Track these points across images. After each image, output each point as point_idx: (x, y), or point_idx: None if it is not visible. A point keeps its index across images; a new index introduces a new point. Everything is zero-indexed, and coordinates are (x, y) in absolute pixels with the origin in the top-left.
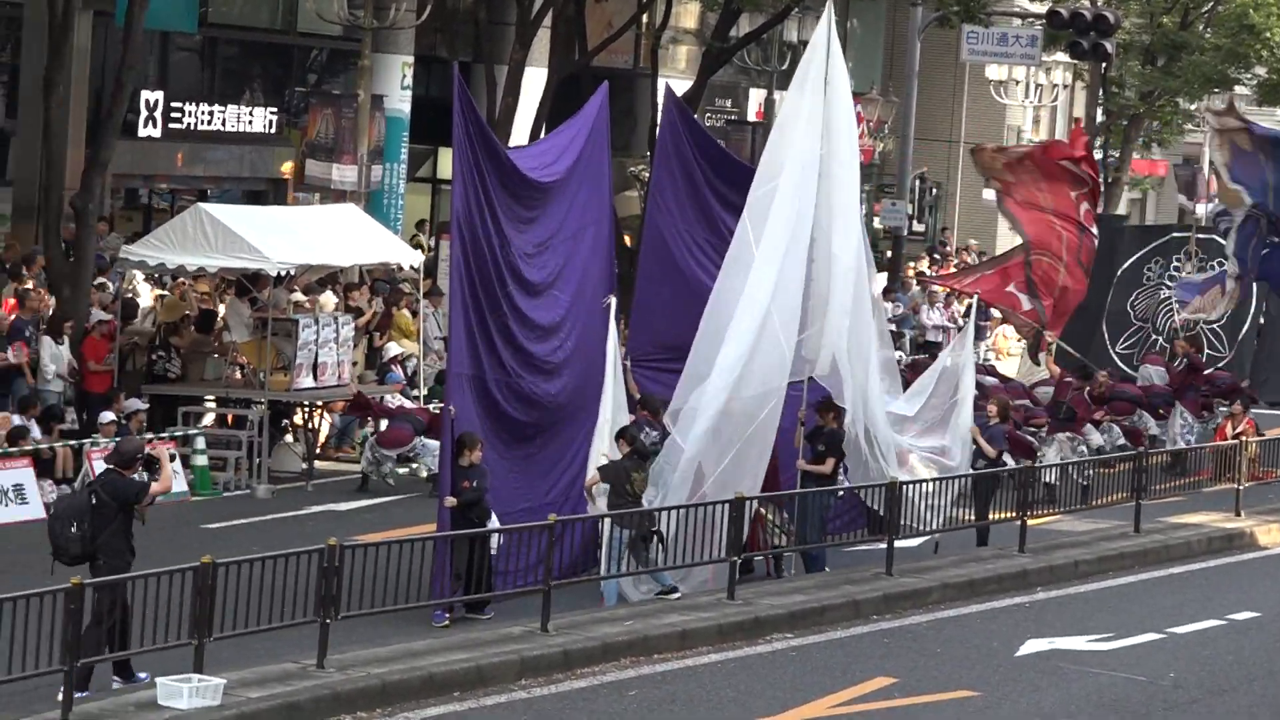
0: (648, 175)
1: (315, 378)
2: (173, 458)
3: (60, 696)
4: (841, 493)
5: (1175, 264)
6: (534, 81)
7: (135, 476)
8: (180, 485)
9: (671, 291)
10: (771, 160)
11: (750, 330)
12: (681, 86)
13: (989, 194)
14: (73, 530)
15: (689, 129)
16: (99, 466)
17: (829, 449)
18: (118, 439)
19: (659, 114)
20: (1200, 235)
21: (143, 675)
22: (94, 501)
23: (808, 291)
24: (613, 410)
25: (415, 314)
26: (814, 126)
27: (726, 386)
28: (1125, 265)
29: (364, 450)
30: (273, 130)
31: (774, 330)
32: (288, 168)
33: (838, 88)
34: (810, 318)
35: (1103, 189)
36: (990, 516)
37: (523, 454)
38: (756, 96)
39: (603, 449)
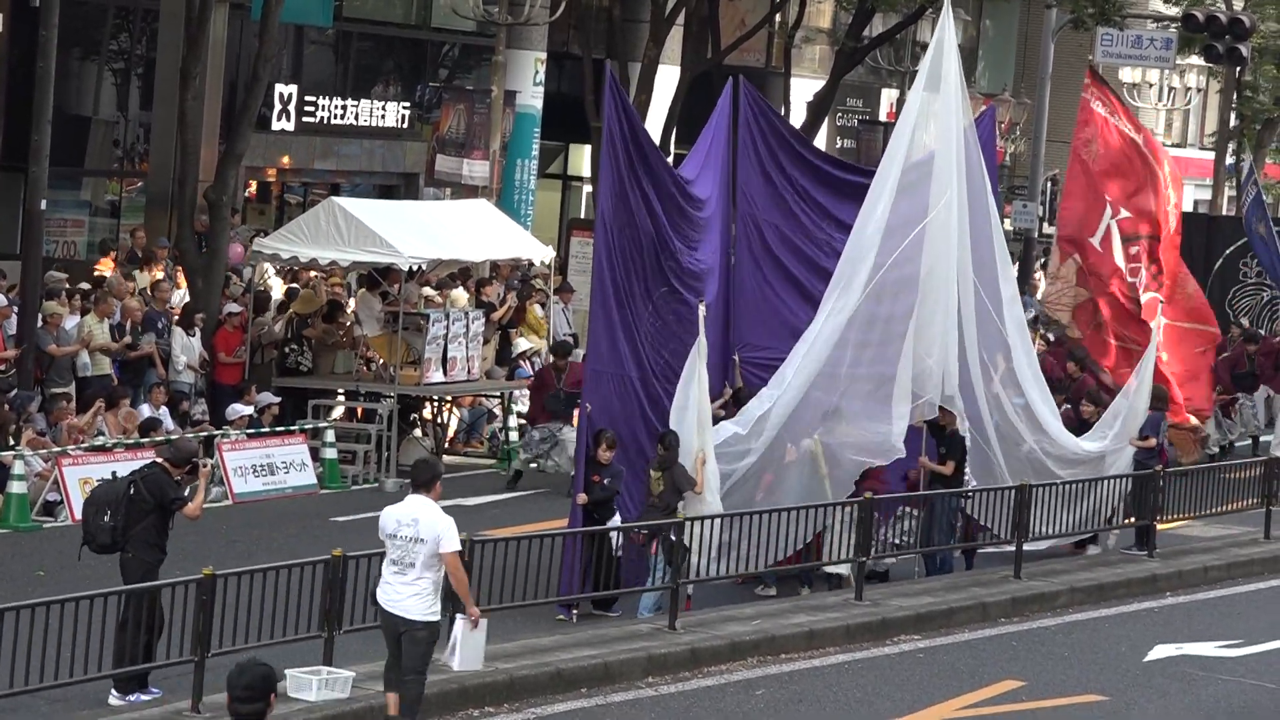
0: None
1: (445, 372)
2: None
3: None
4: (971, 494)
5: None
6: (666, 79)
7: (182, 479)
8: (309, 478)
9: (767, 285)
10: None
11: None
12: (813, 85)
13: None
14: (105, 519)
15: (765, 119)
16: (230, 459)
17: (950, 451)
18: (174, 438)
19: (737, 108)
20: None
21: (155, 690)
22: (131, 492)
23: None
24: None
25: (545, 309)
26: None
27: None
28: (1221, 258)
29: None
30: (405, 125)
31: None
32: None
33: (951, 88)
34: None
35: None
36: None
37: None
38: (889, 96)
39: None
